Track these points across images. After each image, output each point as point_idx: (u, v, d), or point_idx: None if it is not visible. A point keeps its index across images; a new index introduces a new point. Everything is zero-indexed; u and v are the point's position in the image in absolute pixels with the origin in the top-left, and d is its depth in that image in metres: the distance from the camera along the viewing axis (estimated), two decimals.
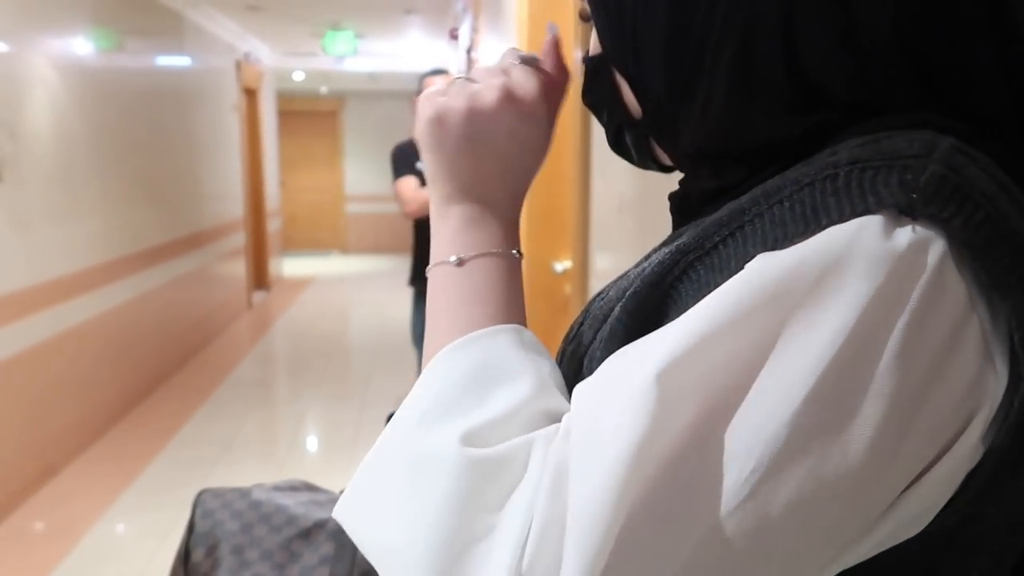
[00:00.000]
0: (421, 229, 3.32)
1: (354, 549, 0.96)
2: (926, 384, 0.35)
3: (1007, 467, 0.38)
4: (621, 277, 0.51)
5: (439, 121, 0.50)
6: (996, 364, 0.37)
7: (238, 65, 7.15)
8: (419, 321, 3.39)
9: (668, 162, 0.53)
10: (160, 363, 4.96)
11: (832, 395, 0.35)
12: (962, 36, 0.41)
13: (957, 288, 0.36)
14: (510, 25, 2.97)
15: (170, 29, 5.43)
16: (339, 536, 0.96)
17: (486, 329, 0.45)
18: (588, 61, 0.54)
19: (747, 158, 0.45)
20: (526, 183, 0.54)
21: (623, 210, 1.52)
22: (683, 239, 0.43)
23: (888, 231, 0.36)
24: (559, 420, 0.40)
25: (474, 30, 4.79)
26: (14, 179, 3.27)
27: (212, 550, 0.95)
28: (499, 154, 0.51)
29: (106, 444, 3.95)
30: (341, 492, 1.06)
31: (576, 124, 1.80)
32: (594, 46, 0.53)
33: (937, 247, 0.36)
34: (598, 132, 1.72)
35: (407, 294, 3.52)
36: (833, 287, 0.35)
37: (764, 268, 0.37)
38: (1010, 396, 0.37)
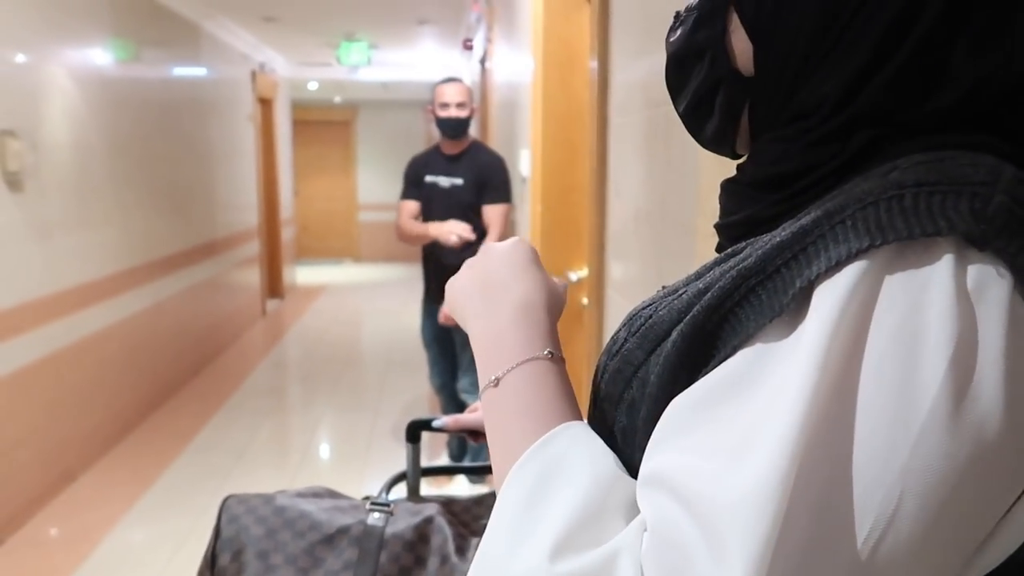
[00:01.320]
0: (426, 248, 3.34)
1: (377, 555, 0.97)
2: None
3: None
4: (670, 294, 0.50)
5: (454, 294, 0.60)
6: None
7: (253, 75, 7.21)
8: (428, 327, 3.41)
9: (741, 144, 0.53)
10: (175, 371, 4.99)
11: (939, 436, 0.35)
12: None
13: None
14: (524, 36, 2.99)
15: (187, 40, 5.49)
16: (362, 542, 0.97)
17: (537, 442, 0.46)
18: (700, 4, 0.51)
19: (827, 141, 0.45)
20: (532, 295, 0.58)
21: (639, 220, 1.53)
22: (747, 262, 0.42)
23: (962, 262, 0.36)
24: (630, 512, 0.42)
25: (488, 40, 4.83)
26: (35, 189, 3.32)
27: (238, 555, 0.97)
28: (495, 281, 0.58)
29: (122, 451, 3.98)
30: (364, 499, 1.07)
31: (593, 135, 1.81)
32: None
33: (1006, 282, 0.36)
34: (615, 143, 1.73)
35: (419, 303, 3.53)
36: (920, 330, 0.36)
37: (841, 308, 0.37)
38: None
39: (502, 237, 3.10)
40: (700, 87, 0.52)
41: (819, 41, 0.45)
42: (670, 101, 0.57)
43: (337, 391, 5.08)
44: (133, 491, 3.47)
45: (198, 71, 5.79)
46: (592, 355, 1.97)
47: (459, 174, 3.19)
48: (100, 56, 4.08)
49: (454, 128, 3.16)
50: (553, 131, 2.54)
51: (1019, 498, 0.38)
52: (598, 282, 1.88)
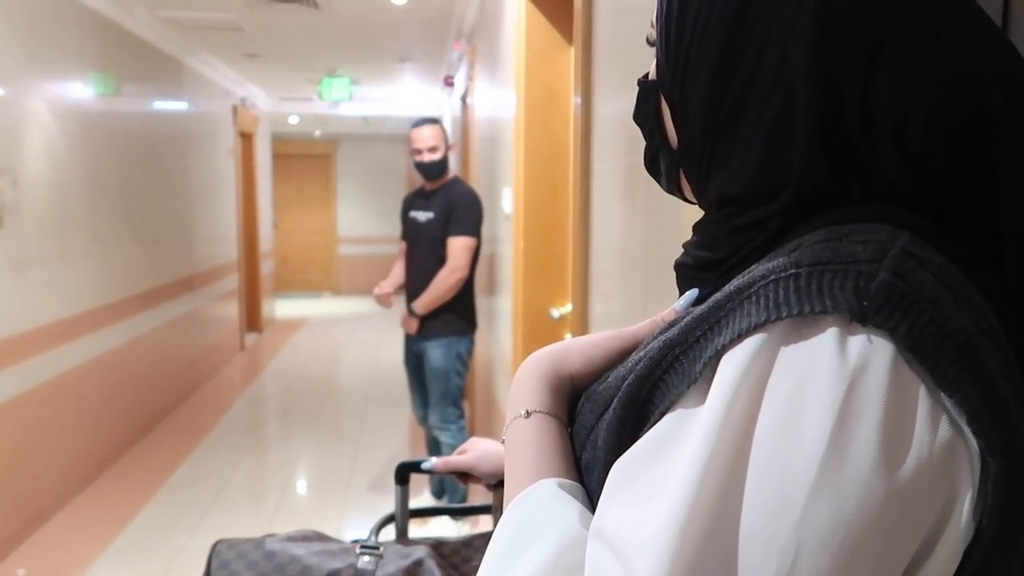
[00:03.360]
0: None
1: None
2: (913, 476, 0.39)
3: (995, 545, 0.42)
4: (621, 365, 0.56)
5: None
6: (969, 447, 0.40)
7: (235, 110, 7.24)
8: (405, 356, 3.50)
9: (691, 196, 0.59)
10: (152, 407, 4.92)
11: (820, 507, 0.38)
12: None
13: (914, 385, 0.40)
14: (506, 76, 3.04)
15: (169, 75, 5.51)
16: None
17: (527, 489, 0.52)
18: (641, 83, 0.59)
19: (745, 229, 0.50)
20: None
21: (623, 260, 1.56)
22: (670, 333, 0.47)
23: (843, 338, 0.40)
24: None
25: (469, 78, 4.89)
26: (13, 224, 3.30)
27: None
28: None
29: (97, 489, 3.91)
30: (353, 542, 1.07)
31: (576, 175, 1.85)
32: (652, 71, 0.58)
33: (886, 353, 0.39)
34: (597, 186, 1.77)
35: (399, 336, 3.55)
36: (807, 397, 0.39)
37: (734, 389, 0.41)
38: (983, 480, 0.41)
39: (463, 271, 3.23)
40: (647, 150, 0.61)
41: (712, 139, 0.51)
42: None
43: (317, 426, 5.03)
44: (108, 531, 3.40)
45: (180, 105, 5.80)
46: None
47: (432, 208, 3.33)
48: (81, 90, 4.08)
49: (427, 171, 3.33)
50: (535, 170, 2.58)
51: (926, 559, 0.41)
52: (582, 319, 1.90)
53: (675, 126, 0.56)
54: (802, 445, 0.38)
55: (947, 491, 0.40)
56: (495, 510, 1.17)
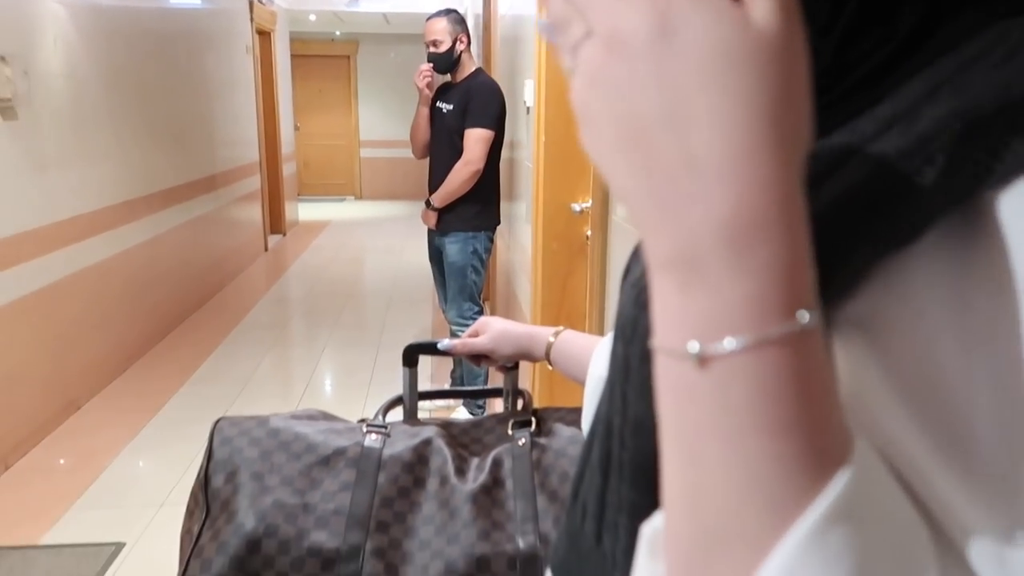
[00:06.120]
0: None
1: (375, 476, 0.95)
2: None
3: None
4: None
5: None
6: None
7: (251, 5, 7.02)
8: (429, 242, 3.44)
9: None
10: (178, 304, 4.99)
11: None
12: None
13: None
14: None
15: None
16: (360, 463, 0.95)
17: (810, 522, 0.24)
18: None
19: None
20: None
21: None
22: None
23: None
24: None
25: None
26: (28, 118, 3.25)
27: (231, 476, 0.95)
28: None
29: (126, 382, 4.01)
30: (359, 421, 1.05)
31: None
32: None
33: None
34: None
35: (421, 240, 3.52)
36: None
37: None
38: None
39: (478, 163, 3.14)
40: None
41: None
42: None
43: (339, 326, 5.09)
44: (137, 419, 3.50)
45: (194, 0, 5.63)
46: (595, 290, 1.94)
47: (452, 100, 3.25)
48: None
49: (435, 63, 3.26)
50: (556, 60, 2.47)
51: None
52: (603, 211, 1.84)
53: None
54: None
55: None
56: (507, 393, 1.14)
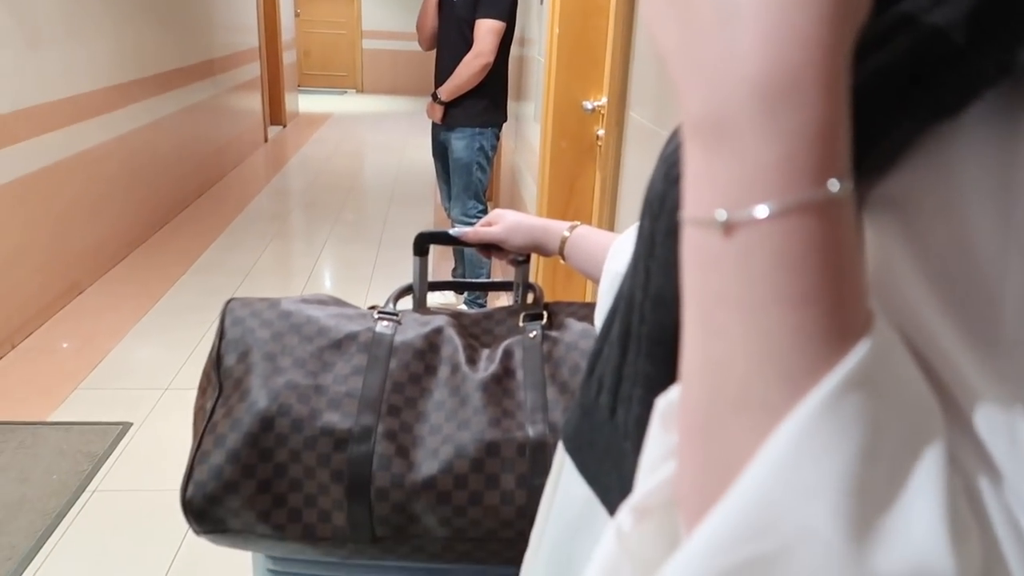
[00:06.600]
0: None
1: (387, 361, 0.96)
2: None
3: None
4: None
5: None
6: None
7: None
8: (433, 137, 3.37)
9: None
10: (178, 191, 4.94)
11: None
12: None
13: None
14: None
15: None
16: (371, 348, 0.95)
17: (826, 389, 0.24)
18: None
19: None
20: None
21: None
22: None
23: None
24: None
25: None
26: None
27: (244, 356, 0.95)
28: None
29: (128, 268, 4.01)
30: (370, 308, 1.05)
31: None
32: None
33: None
34: None
35: (424, 135, 3.44)
36: None
37: None
38: None
39: (488, 55, 3.03)
40: None
41: None
42: None
43: (341, 220, 5.06)
44: (140, 304, 3.52)
45: None
46: (608, 191, 1.91)
47: None
48: None
49: None
50: None
51: None
52: (619, 109, 1.79)
53: None
54: None
55: None
56: (517, 287, 1.14)
